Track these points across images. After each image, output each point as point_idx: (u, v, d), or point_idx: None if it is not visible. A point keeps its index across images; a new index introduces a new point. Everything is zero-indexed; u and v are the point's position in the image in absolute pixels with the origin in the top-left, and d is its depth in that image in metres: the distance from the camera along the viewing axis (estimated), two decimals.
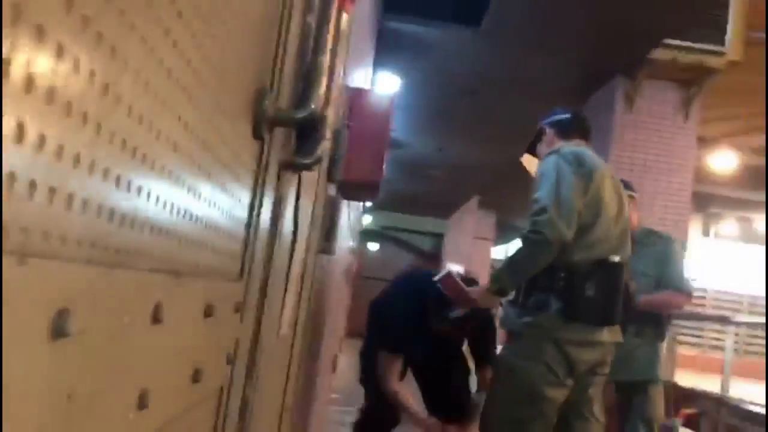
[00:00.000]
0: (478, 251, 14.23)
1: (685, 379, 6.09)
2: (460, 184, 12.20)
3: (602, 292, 2.41)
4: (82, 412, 0.39)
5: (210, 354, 0.69)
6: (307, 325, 2.23)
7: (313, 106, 0.82)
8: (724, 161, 9.57)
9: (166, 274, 0.52)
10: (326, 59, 0.85)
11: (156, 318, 0.50)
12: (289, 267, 1.44)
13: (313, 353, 3.06)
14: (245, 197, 0.81)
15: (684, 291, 3.54)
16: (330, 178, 1.90)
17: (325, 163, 1.86)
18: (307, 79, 0.86)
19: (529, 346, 2.44)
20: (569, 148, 2.58)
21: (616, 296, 2.45)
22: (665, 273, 3.49)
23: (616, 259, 2.48)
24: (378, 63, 6.66)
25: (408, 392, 3.14)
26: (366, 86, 4.23)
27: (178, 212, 0.56)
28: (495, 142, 9.19)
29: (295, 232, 1.47)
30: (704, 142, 8.94)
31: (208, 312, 0.65)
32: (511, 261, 2.50)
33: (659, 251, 3.59)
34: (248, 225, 0.83)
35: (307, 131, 1.06)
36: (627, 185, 3.52)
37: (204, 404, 0.73)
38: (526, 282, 2.45)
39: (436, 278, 2.68)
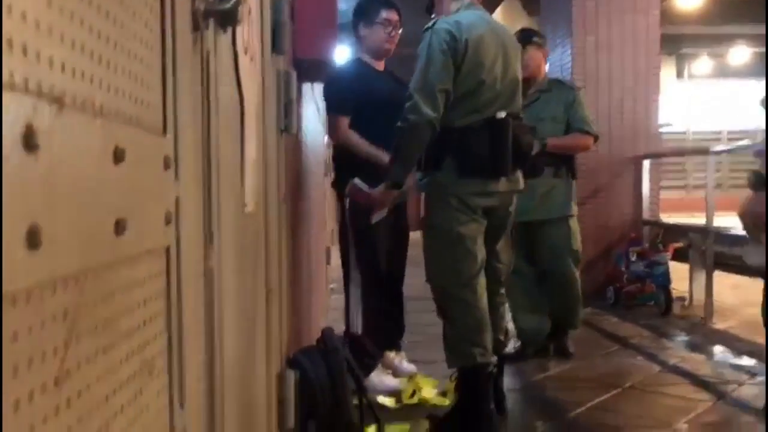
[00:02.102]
0: None
1: (672, 219, 6.19)
2: None
3: (491, 148, 2.65)
4: None
5: (133, 206, 0.63)
6: (283, 209, 2.17)
7: None
8: None
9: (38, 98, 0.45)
10: None
11: (29, 144, 0.43)
12: (242, 137, 1.37)
13: (300, 240, 3.02)
14: (151, 38, 0.72)
15: (590, 133, 3.91)
16: (274, 47, 1.79)
17: (267, 32, 1.75)
18: None
19: (436, 201, 2.73)
20: (443, 21, 2.66)
21: (505, 150, 2.67)
22: (571, 117, 3.89)
23: (503, 115, 2.68)
24: None
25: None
26: None
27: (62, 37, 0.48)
28: None
29: (242, 101, 1.39)
30: None
31: (119, 156, 0.59)
32: (395, 153, 2.71)
33: (565, 98, 3.97)
34: (163, 71, 0.76)
35: None
36: (532, 36, 4.05)
37: (142, 262, 0.68)
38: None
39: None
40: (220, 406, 1.02)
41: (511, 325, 3.18)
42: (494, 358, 2.77)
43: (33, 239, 0.43)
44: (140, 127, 0.68)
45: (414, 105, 2.56)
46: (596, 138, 4.00)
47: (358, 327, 3.44)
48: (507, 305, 3.12)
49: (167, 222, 0.75)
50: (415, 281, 3.60)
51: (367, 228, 3.23)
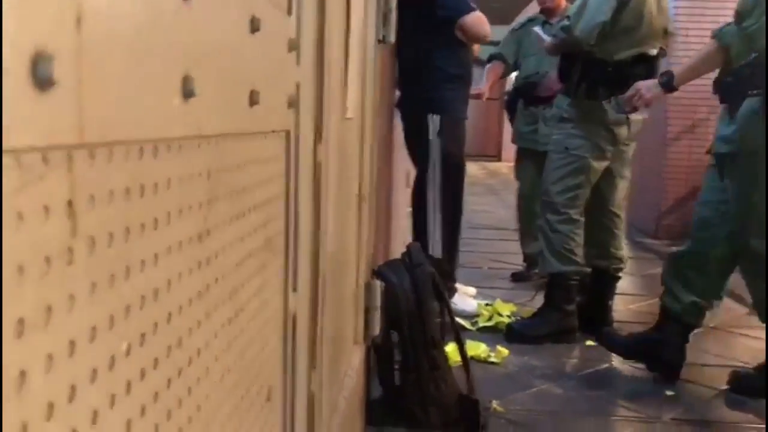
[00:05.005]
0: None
1: None
2: None
3: (642, 81, 2.83)
4: None
5: (265, 80, 0.63)
6: (376, 120, 2.15)
7: None
8: None
9: None
10: None
11: None
12: (347, 37, 1.35)
13: (385, 158, 3.02)
14: None
15: None
16: None
17: None
18: None
19: (582, 129, 2.96)
20: None
21: None
22: None
23: (654, 52, 2.94)
24: None
25: None
26: None
27: None
28: None
29: (348, 7, 1.37)
30: None
31: (255, 25, 0.58)
32: (557, 40, 3.10)
33: None
34: None
35: None
36: None
37: (268, 140, 0.68)
38: (578, 75, 2.94)
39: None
40: (322, 300, 1.04)
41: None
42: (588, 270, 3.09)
43: (187, 88, 0.43)
44: (270, 2, 0.67)
45: (567, 27, 2.90)
46: None
47: (436, 251, 3.45)
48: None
49: (289, 105, 0.75)
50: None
51: (457, 152, 3.20)
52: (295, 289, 0.81)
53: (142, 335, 0.40)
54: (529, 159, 3.95)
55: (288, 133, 0.76)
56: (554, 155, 3.07)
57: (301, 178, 0.81)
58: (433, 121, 3.13)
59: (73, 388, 0.32)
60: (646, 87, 2.76)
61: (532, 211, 3.80)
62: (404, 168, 5.19)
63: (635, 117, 2.97)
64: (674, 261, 2.69)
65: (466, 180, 3.58)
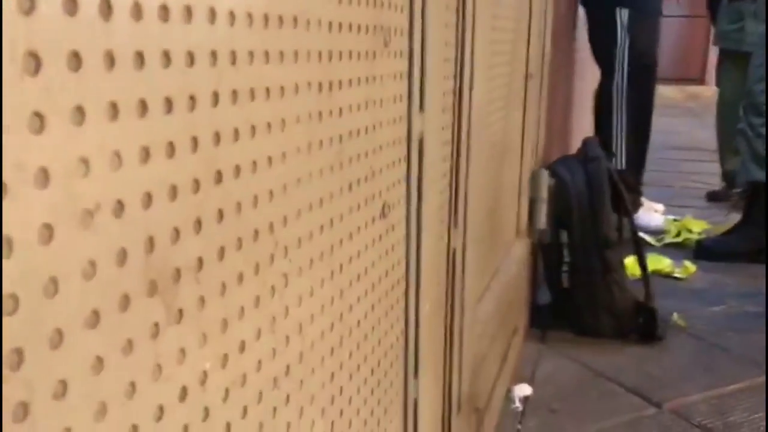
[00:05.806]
0: None
1: None
2: None
3: None
4: None
5: None
6: None
7: None
8: None
9: None
10: None
11: None
12: None
13: (564, 43, 2.79)
14: None
15: None
16: None
17: None
18: None
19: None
20: None
21: None
22: None
23: None
24: None
25: None
26: None
27: None
28: None
29: None
30: None
31: None
32: None
33: None
34: None
35: None
36: None
37: None
38: None
39: None
40: (467, 143, 0.94)
41: None
42: None
43: None
44: None
45: None
46: None
47: (620, 162, 3.20)
48: None
49: None
50: None
51: (648, 51, 2.91)
52: (421, 108, 0.72)
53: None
54: (733, 62, 3.51)
55: None
56: (761, 50, 2.71)
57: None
58: (622, 16, 2.84)
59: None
60: None
61: (734, 121, 3.39)
62: (588, 86, 4.84)
63: None
64: None
65: (662, 103, 3.27)
